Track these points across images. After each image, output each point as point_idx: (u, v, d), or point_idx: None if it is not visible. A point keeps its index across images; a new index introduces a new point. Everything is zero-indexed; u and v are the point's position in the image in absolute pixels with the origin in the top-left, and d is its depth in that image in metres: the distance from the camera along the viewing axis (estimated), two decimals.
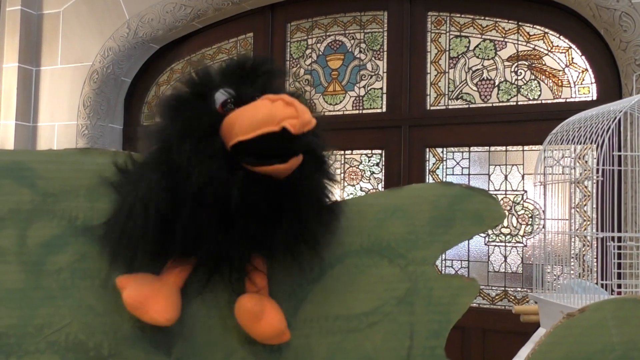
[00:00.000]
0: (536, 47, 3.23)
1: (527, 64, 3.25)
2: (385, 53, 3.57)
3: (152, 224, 0.66)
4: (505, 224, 3.25)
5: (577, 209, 3.03)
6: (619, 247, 1.54)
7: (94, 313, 0.71)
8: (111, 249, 0.69)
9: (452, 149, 3.41)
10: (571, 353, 0.75)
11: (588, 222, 3.02)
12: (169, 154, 0.67)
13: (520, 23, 3.27)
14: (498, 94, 3.31)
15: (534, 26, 3.24)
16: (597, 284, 1.65)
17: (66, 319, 0.70)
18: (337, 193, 0.76)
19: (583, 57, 3.13)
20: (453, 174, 3.39)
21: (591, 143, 1.55)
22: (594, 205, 2.95)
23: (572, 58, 3.15)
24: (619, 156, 1.58)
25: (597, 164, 1.53)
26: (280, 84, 0.77)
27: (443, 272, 0.93)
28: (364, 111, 3.61)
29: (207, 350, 0.73)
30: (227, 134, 0.66)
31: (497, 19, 3.32)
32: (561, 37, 3.18)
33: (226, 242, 0.67)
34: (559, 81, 3.17)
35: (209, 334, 0.73)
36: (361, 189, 3.58)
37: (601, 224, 1.60)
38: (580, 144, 1.62)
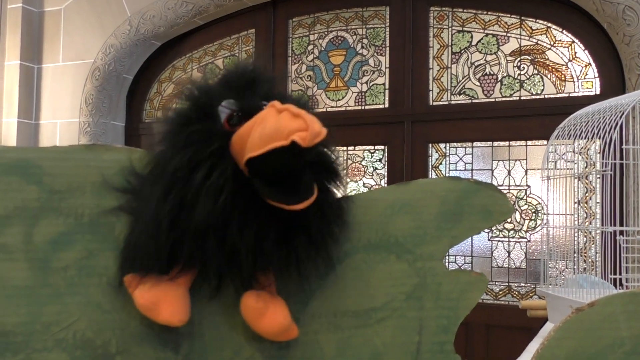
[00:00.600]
0: (539, 42, 3.22)
1: (530, 58, 3.24)
2: (387, 49, 3.57)
3: (162, 247, 0.66)
4: (508, 219, 3.24)
5: (581, 204, 3.02)
6: (624, 242, 1.54)
7: (102, 310, 0.71)
8: (125, 253, 0.69)
9: (455, 144, 3.40)
10: (581, 347, 0.74)
11: (592, 217, 3.02)
12: (179, 182, 0.66)
13: (522, 17, 3.26)
14: (501, 89, 3.30)
15: (537, 20, 3.23)
16: (602, 278, 1.65)
17: (74, 317, 0.70)
18: (342, 189, 0.75)
19: (586, 51, 3.12)
20: (456, 170, 3.38)
21: (599, 138, 1.54)
22: (598, 200, 2.95)
23: (575, 52, 3.14)
24: (622, 150, 1.57)
25: (603, 158, 1.53)
26: (282, 88, 0.76)
27: (447, 267, 0.93)
28: (367, 107, 3.61)
29: (215, 347, 0.73)
30: (238, 151, 0.65)
31: (500, 14, 3.31)
32: (564, 31, 3.17)
33: (229, 267, 0.67)
34: (562, 76, 3.17)
35: (217, 331, 0.73)
36: (364, 185, 3.58)
37: (605, 219, 1.60)
38: (587, 138, 1.61)
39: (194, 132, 0.67)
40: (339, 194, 0.74)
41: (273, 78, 0.75)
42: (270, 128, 0.61)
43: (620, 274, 1.45)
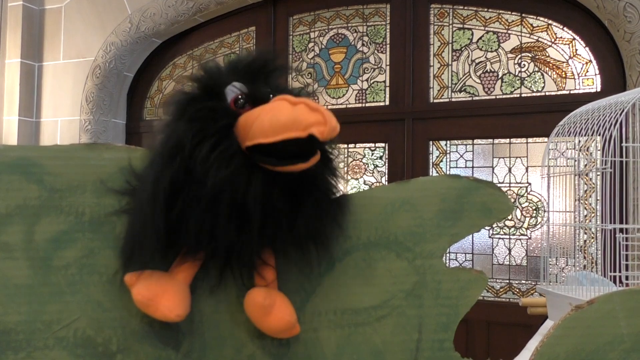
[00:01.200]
0: (540, 39, 3.22)
1: (530, 55, 3.24)
2: (388, 46, 3.56)
3: (162, 219, 0.65)
4: (509, 216, 3.24)
5: (582, 201, 3.02)
6: (625, 239, 1.54)
7: (102, 309, 0.71)
8: (123, 245, 0.69)
9: (455, 141, 3.40)
10: (580, 345, 0.75)
11: (592, 214, 3.02)
12: (183, 153, 0.66)
13: (523, 15, 3.26)
14: (501, 86, 3.30)
15: (538, 18, 3.23)
16: (602, 275, 1.65)
17: (75, 315, 0.70)
18: (341, 187, 0.75)
19: (587, 48, 3.12)
20: (457, 167, 3.38)
21: (599, 135, 1.54)
22: (599, 197, 2.95)
23: (576, 49, 3.14)
24: (622, 147, 1.57)
25: (603, 156, 1.53)
26: (287, 82, 0.77)
27: (447, 265, 0.93)
28: (367, 104, 3.61)
29: (216, 345, 0.73)
30: (243, 133, 0.65)
31: (500, 11, 3.31)
32: (565, 28, 3.16)
33: (239, 239, 0.66)
34: (563, 73, 3.16)
35: (218, 329, 0.73)
36: (364, 183, 3.58)
37: (605, 216, 1.60)
38: (587, 135, 1.61)
39: (200, 109, 0.68)
40: (337, 192, 0.74)
41: (282, 69, 0.75)
42: (285, 118, 0.62)
43: (619, 271, 1.46)
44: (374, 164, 3.56)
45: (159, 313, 0.67)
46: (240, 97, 0.69)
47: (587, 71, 3.11)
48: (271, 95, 0.69)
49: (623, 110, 1.48)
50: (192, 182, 0.65)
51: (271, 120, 0.63)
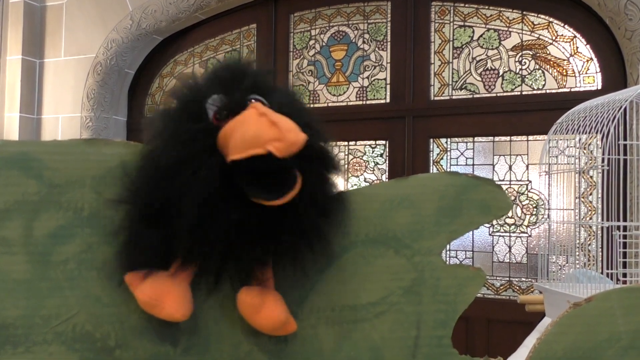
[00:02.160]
0: (540, 37, 3.22)
1: (531, 53, 3.24)
2: (388, 43, 3.56)
3: (153, 235, 0.67)
4: (509, 214, 3.24)
5: (582, 199, 3.02)
6: (624, 237, 1.54)
7: (101, 304, 0.71)
8: (122, 262, 0.70)
9: (456, 139, 3.40)
10: (578, 342, 0.75)
11: (593, 212, 3.02)
12: (164, 177, 0.66)
13: (524, 12, 3.25)
14: (502, 83, 3.30)
15: (539, 15, 3.22)
16: (602, 273, 1.65)
17: (73, 310, 0.70)
18: (341, 184, 0.75)
19: (588, 46, 3.11)
20: (457, 165, 3.39)
21: (597, 133, 1.54)
22: (599, 195, 2.95)
23: (577, 47, 3.14)
24: (624, 145, 1.57)
25: (603, 153, 1.53)
26: (269, 82, 0.75)
27: (447, 262, 0.93)
28: (368, 102, 3.61)
29: (214, 342, 0.73)
30: (223, 147, 0.65)
31: (501, 9, 3.31)
32: (566, 26, 3.16)
33: (227, 256, 0.67)
34: (564, 71, 3.16)
35: (216, 326, 0.73)
36: (365, 180, 3.58)
37: (606, 214, 1.60)
38: (585, 133, 1.61)
39: (181, 131, 0.67)
40: (335, 188, 0.74)
41: (261, 71, 0.74)
42: (250, 133, 0.61)
43: (617, 268, 1.46)
44: (374, 162, 3.57)
45: (165, 313, 0.67)
46: (219, 111, 0.68)
47: (588, 69, 3.11)
48: (251, 101, 0.68)
49: (620, 108, 1.48)
50: (176, 208, 0.65)
51: (241, 136, 0.62)
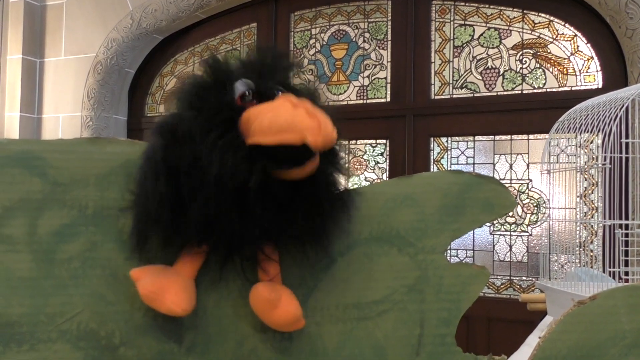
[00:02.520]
0: (541, 35, 3.22)
1: (532, 52, 3.24)
2: (389, 42, 3.56)
3: (165, 209, 0.66)
4: (510, 213, 3.24)
5: (583, 198, 3.02)
6: (626, 235, 1.54)
7: (105, 302, 0.71)
8: (129, 237, 0.69)
9: (456, 138, 3.40)
10: (582, 340, 0.75)
11: (594, 211, 3.02)
12: (189, 140, 0.66)
13: (525, 11, 3.25)
14: (503, 82, 3.30)
15: (539, 14, 3.22)
16: (603, 272, 1.65)
17: (78, 308, 0.70)
18: (344, 182, 0.75)
19: (588, 45, 3.11)
20: (458, 164, 3.38)
21: (598, 131, 1.54)
22: (600, 194, 2.95)
23: (578, 46, 3.14)
24: (625, 144, 1.57)
25: (604, 152, 1.53)
26: (297, 79, 0.76)
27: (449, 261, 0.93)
28: (368, 101, 3.60)
29: (218, 339, 0.73)
30: (245, 129, 0.65)
31: (502, 7, 3.31)
32: (566, 24, 3.16)
33: (239, 230, 0.66)
34: (564, 69, 3.16)
35: (220, 323, 0.73)
36: (365, 179, 3.58)
37: (607, 212, 1.60)
38: (587, 132, 1.61)
39: (208, 100, 0.68)
40: (340, 185, 0.74)
41: (291, 66, 0.75)
42: (283, 120, 0.61)
43: (619, 267, 1.46)
44: (375, 161, 3.57)
45: (165, 307, 0.67)
46: (247, 92, 0.68)
47: (589, 68, 3.11)
48: (279, 93, 0.69)
49: (623, 106, 1.48)
50: (195, 171, 0.65)
51: (270, 120, 0.62)
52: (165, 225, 0.66)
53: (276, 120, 0.62)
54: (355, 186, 0.79)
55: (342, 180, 0.74)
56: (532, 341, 1.50)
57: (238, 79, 0.70)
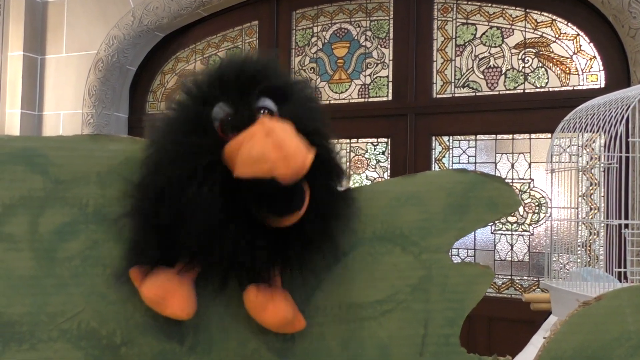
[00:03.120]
0: (544, 35, 3.21)
1: (534, 51, 3.23)
2: (391, 41, 3.56)
3: (154, 237, 0.66)
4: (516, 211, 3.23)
5: (585, 197, 3.02)
6: (628, 235, 1.54)
7: (106, 301, 0.70)
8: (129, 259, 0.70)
9: (458, 137, 3.39)
10: (587, 341, 0.74)
11: (595, 211, 3.01)
12: (170, 192, 0.64)
13: (527, 10, 3.25)
14: (505, 81, 3.29)
15: (542, 13, 3.21)
16: (606, 271, 1.64)
17: (78, 307, 0.70)
18: (345, 182, 0.74)
19: (591, 44, 3.11)
20: (459, 163, 3.38)
21: (604, 132, 1.54)
22: (602, 194, 2.94)
23: (580, 45, 3.13)
24: (627, 143, 1.57)
25: (607, 151, 1.52)
26: (279, 81, 0.72)
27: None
28: (370, 99, 3.60)
29: (220, 339, 0.73)
30: (230, 161, 0.63)
31: (504, 6, 3.30)
32: (569, 24, 3.15)
33: (234, 263, 0.67)
34: (567, 69, 3.16)
35: (222, 323, 0.73)
36: (367, 178, 3.57)
37: (609, 212, 1.59)
38: (593, 131, 1.61)
39: (185, 144, 0.65)
40: (340, 188, 0.73)
41: (269, 71, 0.70)
42: (255, 153, 0.59)
43: (625, 267, 1.45)
44: (376, 159, 3.56)
45: (169, 311, 0.67)
46: (225, 123, 0.65)
47: (591, 67, 3.10)
48: (262, 112, 0.66)
49: (629, 106, 1.47)
50: (181, 220, 0.64)
51: (246, 156, 0.60)
52: (155, 248, 0.67)
53: (250, 152, 0.59)
54: (358, 185, 0.78)
55: (343, 179, 0.72)
56: (536, 341, 1.50)
57: (213, 106, 0.66)
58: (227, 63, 0.70)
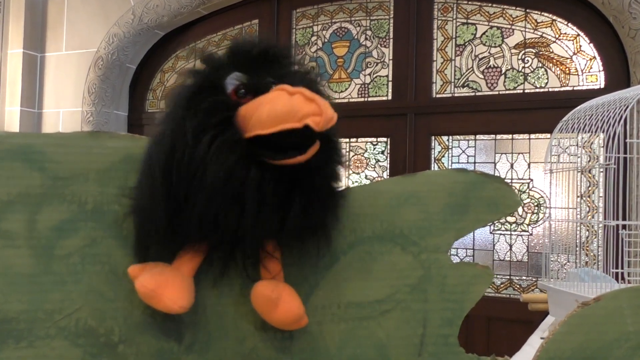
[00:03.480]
0: (544, 35, 3.21)
1: (534, 51, 3.23)
2: (391, 40, 3.55)
3: (163, 211, 0.65)
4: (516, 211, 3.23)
5: (584, 198, 3.02)
6: (627, 236, 1.53)
7: (105, 299, 0.70)
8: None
9: (457, 137, 3.39)
10: (586, 342, 0.74)
11: (594, 211, 3.01)
12: (184, 146, 0.65)
13: (527, 10, 3.24)
14: (505, 81, 3.29)
15: (542, 13, 3.21)
16: (604, 272, 1.64)
17: (76, 305, 0.69)
18: (344, 179, 0.74)
19: (591, 44, 3.10)
20: (459, 162, 3.38)
21: (603, 132, 1.54)
22: (601, 194, 2.94)
23: (580, 46, 3.13)
24: (625, 143, 1.57)
25: (606, 152, 1.52)
26: (291, 68, 0.75)
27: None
28: (370, 99, 3.59)
29: (219, 337, 0.73)
30: (243, 124, 0.65)
31: (505, 6, 3.30)
32: (569, 24, 3.15)
33: (239, 228, 0.65)
34: (567, 69, 3.15)
35: (221, 321, 0.73)
36: (366, 177, 3.57)
37: (608, 213, 1.59)
38: (591, 132, 1.61)
39: (200, 103, 0.67)
40: (340, 180, 0.73)
41: (284, 56, 0.74)
42: (282, 109, 0.61)
43: (622, 267, 1.45)
44: (375, 159, 3.56)
45: (162, 304, 0.66)
46: (240, 87, 0.68)
47: (591, 67, 3.10)
48: (273, 85, 0.68)
49: (628, 107, 1.47)
50: (193, 174, 0.64)
51: (269, 111, 0.62)
52: (164, 226, 0.66)
53: (274, 110, 0.62)
54: (357, 184, 0.78)
55: (341, 173, 0.73)
56: (533, 341, 1.49)
57: (229, 74, 0.69)
58: (239, 42, 0.73)
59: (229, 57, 0.72)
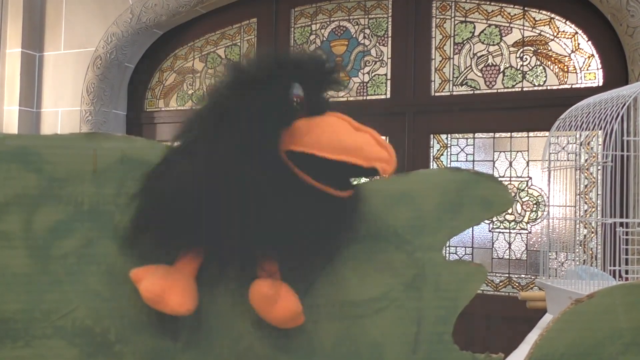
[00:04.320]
0: (542, 33, 3.21)
1: (532, 49, 3.23)
2: (389, 39, 3.56)
3: (165, 214, 0.66)
4: (509, 210, 3.24)
5: (582, 196, 3.02)
6: (626, 233, 1.54)
7: (101, 299, 0.71)
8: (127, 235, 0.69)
9: (456, 135, 3.39)
10: (579, 339, 0.74)
11: (593, 209, 3.02)
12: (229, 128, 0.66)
13: (526, 8, 3.25)
14: (503, 80, 3.29)
15: (540, 11, 3.21)
16: (603, 270, 1.65)
17: (73, 304, 0.70)
18: None
19: (589, 42, 3.11)
20: (457, 161, 3.38)
21: (600, 130, 1.54)
22: (599, 192, 2.95)
23: (578, 44, 3.13)
24: (623, 141, 1.57)
25: (604, 149, 1.52)
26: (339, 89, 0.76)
27: (447, 259, 0.93)
28: (368, 97, 3.60)
29: (215, 336, 0.73)
30: (291, 136, 0.66)
31: (503, 4, 3.30)
32: (567, 22, 3.15)
33: (241, 239, 0.66)
34: (565, 67, 3.16)
35: (217, 320, 0.73)
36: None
37: (606, 210, 1.60)
38: (588, 129, 1.61)
39: (263, 92, 0.67)
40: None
41: (338, 80, 0.74)
42: (349, 142, 0.64)
43: (620, 265, 1.45)
44: None
45: (169, 308, 0.67)
46: (297, 100, 0.68)
47: (589, 65, 3.10)
48: (323, 109, 0.69)
49: (625, 104, 1.47)
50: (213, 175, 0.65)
51: (330, 138, 0.64)
52: (166, 226, 0.66)
53: (338, 139, 0.64)
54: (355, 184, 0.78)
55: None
56: (531, 339, 1.50)
57: (295, 83, 0.68)
58: (310, 56, 0.73)
59: (293, 63, 0.71)
